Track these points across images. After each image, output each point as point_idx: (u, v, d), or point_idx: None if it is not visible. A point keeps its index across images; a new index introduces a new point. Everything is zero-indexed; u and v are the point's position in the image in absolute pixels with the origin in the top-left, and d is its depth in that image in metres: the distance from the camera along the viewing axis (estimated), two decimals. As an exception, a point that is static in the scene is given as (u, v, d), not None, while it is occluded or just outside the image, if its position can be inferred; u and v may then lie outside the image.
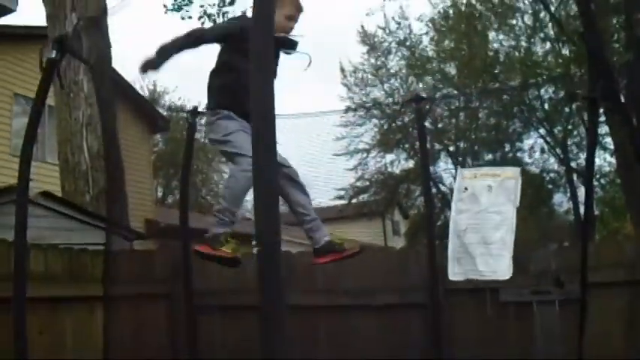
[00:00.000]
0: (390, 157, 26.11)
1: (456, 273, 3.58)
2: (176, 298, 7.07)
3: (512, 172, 3.80)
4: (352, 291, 6.92)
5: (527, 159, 25.02)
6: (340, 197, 27.64)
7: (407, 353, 6.81)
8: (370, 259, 6.88)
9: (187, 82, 51.10)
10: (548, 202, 28.60)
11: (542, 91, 23.01)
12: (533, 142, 25.27)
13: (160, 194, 33.69)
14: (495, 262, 3.48)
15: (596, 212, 25.58)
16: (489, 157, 24.59)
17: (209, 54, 4.94)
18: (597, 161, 24.04)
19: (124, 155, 10.84)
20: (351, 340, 6.98)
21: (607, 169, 25.00)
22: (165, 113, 26.64)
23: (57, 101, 9.91)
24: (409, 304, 6.77)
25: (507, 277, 3.37)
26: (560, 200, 28.31)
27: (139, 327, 6.89)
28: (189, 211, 7.00)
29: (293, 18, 4.79)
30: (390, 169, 26.09)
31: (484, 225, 3.55)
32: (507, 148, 24.64)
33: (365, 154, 26.04)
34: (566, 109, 23.46)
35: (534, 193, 24.31)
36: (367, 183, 27.23)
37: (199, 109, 6.66)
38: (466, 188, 3.78)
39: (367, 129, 25.74)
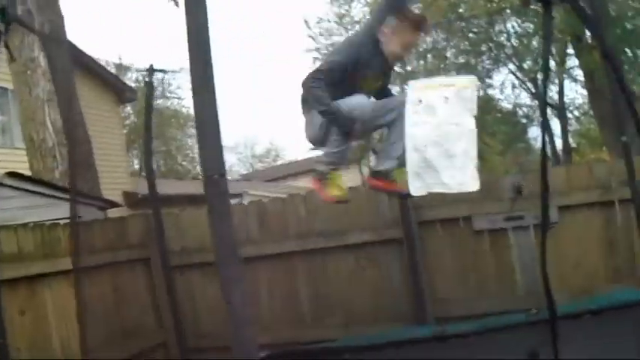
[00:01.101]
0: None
1: (417, 187, 3.44)
2: (154, 260, 7.08)
3: (468, 81, 3.62)
4: (326, 233, 6.96)
5: (498, 95, 24.96)
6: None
7: (385, 288, 6.86)
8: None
9: (154, 55, 50.81)
10: (524, 137, 28.66)
11: (509, 26, 22.91)
12: (503, 78, 25.20)
13: (136, 166, 33.50)
14: (461, 174, 3.34)
15: (573, 144, 25.67)
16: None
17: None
18: (570, 94, 24.09)
19: (93, 129, 10.73)
20: (330, 280, 7.03)
21: (580, 101, 25.07)
22: (133, 85, 26.39)
23: (15, 81, 9.77)
24: (384, 241, 6.80)
25: (475, 189, 3.26)
26: (536, 134, 28.35)
27: (120, 294, 6.85)
28: (166, 178, 6.97)
29: (411, 45, 4.64)
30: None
31: (445, 138, 3.41)
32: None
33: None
34: (534, 43, 23.39)
35: (510, 129, 24.36)
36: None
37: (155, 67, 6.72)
38: (420, 100, 3.62)
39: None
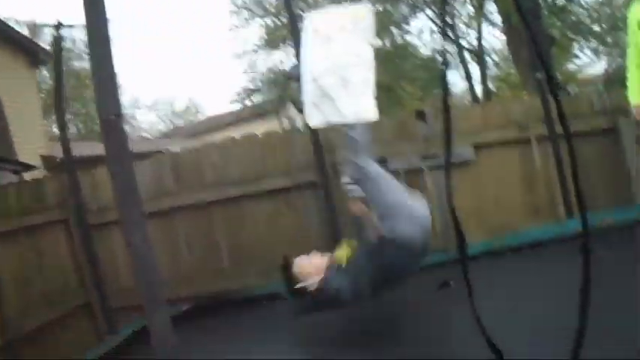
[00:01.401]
0: (278, 54, 25.76)
1: (315, 119, 3.37)
2: (73, 221, 6.96)
3: (365, 10, 3.57)
4: (242, 180, 6.95)
5: (416, 41, 25.04)
6: (239, 100, 27.41)
7: (304, 233, 6.87)
8: (254, 146, 6.94)
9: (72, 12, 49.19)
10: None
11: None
12: (422, 24, 25.29)
13: (56, 130, 32.62)
14: (358, 104, 3.28)
15: (493, 89, 26.00)
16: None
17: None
18: (488, 38, 24.28)
19: (6, 94, 10.44)
20: (248, 228, 7.01)
21: (499, 46, 25.31)
22: (48, 47, 25.54)
23: None
24: (299, 185, 6.83)
25: (373, 119, 3.20)
26: (454, 80, 28.57)
27: (39, 257, 6.70)
28: (86, 140, 6.88)
29: None
30: (279, 68, 25.76)
31: (341, 66, 3.34)
32: (395, 31, 24.51)
33: (254, 54, 25.66)
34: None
35: (428, 75, 24.50)
36: (259, 83, 26.95)
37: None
38: (317, 31, 3.55)
39: (253, 30, 25.31)
